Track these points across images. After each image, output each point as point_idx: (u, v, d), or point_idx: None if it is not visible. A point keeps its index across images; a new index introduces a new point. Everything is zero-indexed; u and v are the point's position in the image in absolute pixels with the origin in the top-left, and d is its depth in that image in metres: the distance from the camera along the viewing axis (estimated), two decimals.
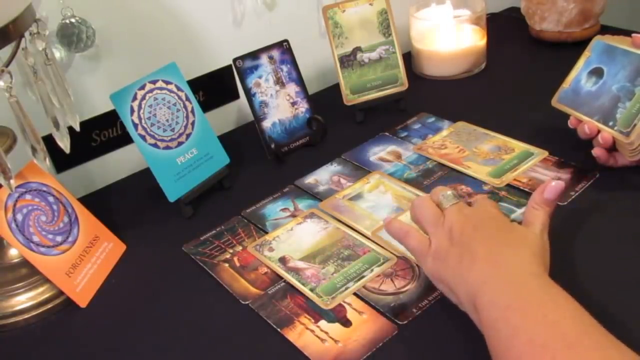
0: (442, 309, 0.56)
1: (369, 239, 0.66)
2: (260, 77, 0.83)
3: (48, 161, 0.58)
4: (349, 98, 0.89)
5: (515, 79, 0.97)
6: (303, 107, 0.86)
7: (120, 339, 0.59)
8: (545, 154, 0.75)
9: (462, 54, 0.98)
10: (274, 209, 0.74)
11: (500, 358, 0.45)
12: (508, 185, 0.71)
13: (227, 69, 0.91)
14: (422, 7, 1.02)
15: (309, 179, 0.78)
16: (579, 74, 0.74)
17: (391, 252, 0.64)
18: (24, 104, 0.55)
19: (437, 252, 0.53)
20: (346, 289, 0.60)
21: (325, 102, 0.91)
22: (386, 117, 0.90)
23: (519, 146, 0.78)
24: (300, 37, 0.93)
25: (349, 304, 0.58)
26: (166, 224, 0.74)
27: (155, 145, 0.72)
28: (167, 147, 0.73)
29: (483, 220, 0.54)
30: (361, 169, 0.79)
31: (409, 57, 1.03)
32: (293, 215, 0.72)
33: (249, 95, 0.82)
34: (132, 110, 0.71)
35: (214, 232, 0.71)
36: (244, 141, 0.88)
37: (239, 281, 0.63)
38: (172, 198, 0.73)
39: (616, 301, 0.54)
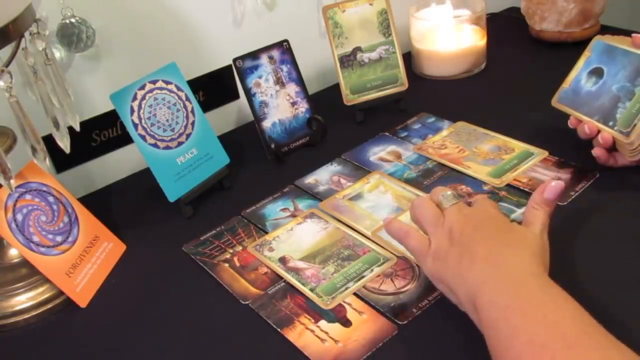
0: (442, 309, 0.56)
1: (369, 239, 0.66)
2: (260, 77, 0.83)
3: (48, 161, 0.58)
4: (349, 98, 0.89)
5: (515, 79, 0.97)
6: (303, 107, 0.86)
7: (120, 339, 0.59)
8: (545, 154, 0.75)
9: (462, 54, 0.98)
10: (274, 209, 0.74)
11: (500, 358, 0.45)
12: (508, 185, 0.71)
13: (227, 69, 0.91)
14: (422, 7, 1.02)
15: (309, 179, 0.78)
16: (579, 74, 0.74)
17: (391, 252, 0.64)
18: (24, 104, 0.55)
19: (437, 252, 0.53)
20: (346, 289, 0.60)
21: (325, 102, 0.91)
22: (386, 117, 0.90)
23: (519, 146, 0.78)
24: (300, 37, 0.93)
25: (349, 304, 0.58)
26: (166, 224, 0.74)
27: (155, 145, 0.72)
28: (167, 147, 0.73)
29: (483, 221, 0.54)
30: (361, 169, 0.79)
31: (409, 57, 1.03)
32: (293, 215, 0.72)
33: (249, 95, 0.82)
34: (132, 110, 0.71)
35: (214, 232, 0.71)
36: (244, 141, 0.88)
37: (239, 281, 0.63)
38: (172, 198, 0.73)
39: (616, 301, 0.54)
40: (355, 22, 0.87)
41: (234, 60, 0.81)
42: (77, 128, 0.66)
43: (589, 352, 0.41)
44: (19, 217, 0.62)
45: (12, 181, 0.53)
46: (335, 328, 0.56)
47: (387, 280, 0.61)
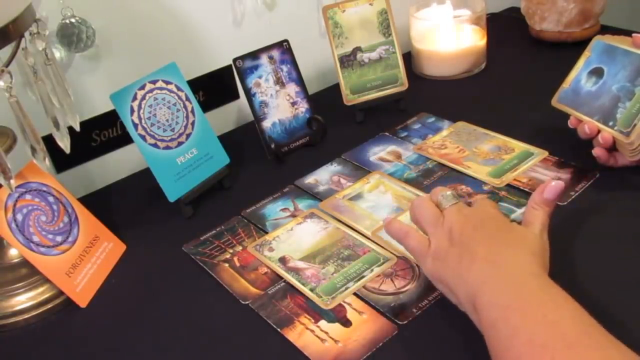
0: (442, 309, 0.56)
1: (369, 239, 0.66)
2: (260, 77, 0.83)
3: (48, 161, 0.58)
4: (349, 98, 0.89)
5: (515, 79, 0.97)
6: (303, 107, 0.86)
7: (120, 339, 0.59)
8: (545, 154, 0.75)
9: (462, 54, 0.98)
10: (274, 209, 0.74)
11: (500, 358, 0.45)
12: (508, 185, 0.71)
13: (227, 69, 0.91)
14: (422, 7, 1.02)
15: (309, 179, 0.78)
16: (579, 74, 0.74)
17: (391, 252, 0.64)
18: (24, 104, 0.55)
19: (436, 252, 0.53)
20: (346, 289, 0.60)
21: (325, 102, 0.91)
22: (386, 117, 0.90)
23: (519, 146, 0.78)
24: (300, 37, 0.93)
25: (349, 304, 0.58)
26: (166, 224, 0.74)
27: (155, 145, 0.72)
28: (167, 147, 0.73)
29: (482, 221, 0.54)
30: (361, 169, 0.79)
31: (409, 57, 1.03)
32: (293, 215, 0.72)
33: (249, 95, 0.82)
34: (132, 110, 0.71)
35: (214, 232, 0.71)
36: (244, 141, 0.88)
37: (239, 281, 0.63)
38: (172, 198, 0.73)
39: (616, 301, 0.54)
40: (355, 22, 0.87)
41: (234, 60, 0.81)
42: (77, 128, 0.66)
43: (588, 352, 0.41)
44: (19, 217, 0.62)
45: (12, 181, 0.53)
46: (335, 328, 0.56)
47: (387, 280, 0.61)
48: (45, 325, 0.62)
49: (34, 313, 0.63)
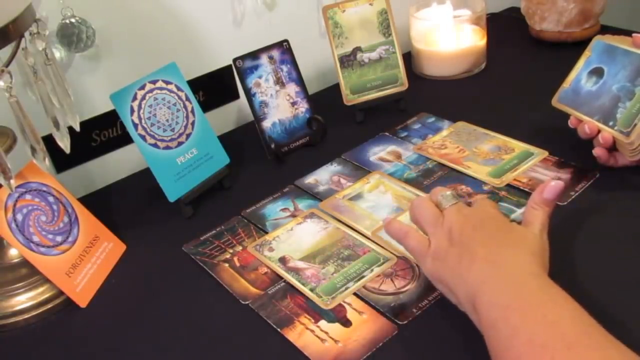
0: (442, 309, 0.56)
1: (369, 239, 0.66)
2: (260, 77, 0.83)
3: (47, 161, 0.58)
4: (349, 98, 0.89)
5: (515, 79, 0.97)
6: (303, 107, 0.86)
7: (120, 339, 0.59)
8: (545, 154, 0.75)
9: (462, 54, 0.98)
10: (274, 209, 0.74)
11: (499, 358, 0.45)
12: (508, 185, 0.71)
13: (227, 69, 0.91)
14: (422, 7, 1.02)
15: (309, 179, 0.78)
16: (579, 74, 0.74)
17: (391, 252, 0.64)
18: (24, 104, 0.55)
19: (436, 252, 0.53)
20: (346, 289, 0.60)
21: (325, 102, 0.91)
22: (386, 117, 0.90)
23: (519, 146, 0.78)
24: (300, 37, 0.93)
25: (349, 304, 0.58)
26: (166, 224, 0.74)
27: (155, 145, 0.72)
28: (167, 147, 0.73)
29: (482, 221, 0.54)
30: (361, 169, 0.79)
31: (409, 57, 1.03)
32: (293, 215, 0.72)
33: (249, 95, 0.82)
34: (132, 110, 0.71)
35: (214, 232, 0.71)
36: (244, 141, 0.88)
37: (239, 281, 0.63)
38: (172, 198, 0.73)
39: (616, 301, 0.54)
40: (355, 22, 0.87)
41: (234, 60, 0.81)
42: (77, 128, 0.66)
43: (588, 352, 0.41)
44: (19, 217, 0.62)
45: (12, 181, 0.53)
46: (335, 328, 0.56)
47: (387, 280, 0.61)
48: (45, 325, 0.62)
49: (34, 313, 0.63)
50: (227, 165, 0.78)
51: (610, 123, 0.68)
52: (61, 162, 0.80)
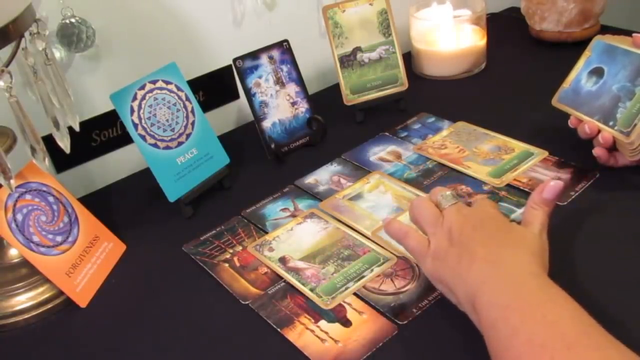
0: (442, 309, 0.56)
1: (369, 239, 0.66)
2: (260, 77, 0.83)
3: (47, 161, 0.58)
4: (349, 98, 0.89)
5: (515, 79, 0.97)
6: (303, 107, 0.86)
7: (120, 339, 0.60)
8: (545, 154, 0.75)
9: (462, 54, 0.98)
10: (274, 209, 0.74)
11: (499, 358, 0.45)
12: (508, 185, 0.71)
13: (227, 69, 0.91)
14: (422, 7, 1.02)
15: (309, 179, 0.78)
16: (579, 74, 0.74)
17: (391, 252, 0.64)
18: (24, 104, 0.55)
19: (436, 252, 0.53)
20: (346, 289, 0.60)
21: (325, 102, 0.91)
22: (386, 117, 0.90)
23: (519, 146, 0.78)
24: (300, 37, 0.93)
25: (349, 304, 0.58)
26: (166, 224, 0.74)
27: (155, 145, 0.72)
28: (167, 147, 0.73)
29: (482, 221, 0.54)
30: (361, 169, 0.79)
31: (409, 57, 1.03)
32: (293, 215, 0.72)
33: (249, 95, 0.82)
34: (132, 110, 0.71)
35: (214, 232, 0.71)
36: (244, 141, 0.88)
37: (239, 281, 0.63)
38: (172, 198, 0.73)
39: (616, 301, 0.54)
40: (355, 22, 0.87)
41: (234, 60, 0.81)
42: (77, 128, 0.66)
43: (588, 352, 0.41)
44: (19, 217, 0.62)
45: (12, 181, 0.53)
46: (335, 328, 0.56)
47: (387, 280, 0.61)
48: (45, 325, 0.62)
49: (34, 313, 0.63)
50: (227, 165, 0.78)
51: (611, 123, 0.68)
52: (61, 162, 0.80)
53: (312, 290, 0.60)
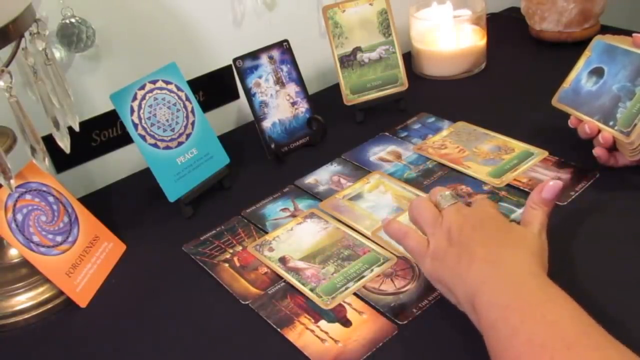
0: (442, 309, 0.56)
1: (369, 239, 0.66)
2: (260, 77, 0.83)
3: (47, 161, 0.58)
4: (349, 98, 0.89)
5: (515, 79, 0.97)
6: (303, 107, 0.86)
7: (120, 339, 0.60)
8: (545, 154, 0.75)
9: (462, 54, 0.98)
10: (274, 209, 0.74)
11: (499, 358, 0.45)
12: (508, 185, 0.71)
13: (227, 69, 0.91)
14: (422, 7, 1.02)
15: (309, 179, 0.78)
16: (579, 74, 0.74)
17: (391, 252, 0.64)
18: (24, 104, 0.55)
19: (435, 252, 0.53)
20: (346, 289, 0.60)
21: (325, 102, 0.91)
22: (386, 117, 0.90)
23: (519, 146, 0.78)
24: (300, 37, 0.93)
25: (349, 304, 0.58)
26: (166, 224, 0.74)
27: (155, 145, 0.72)
28: (167, 147, 0.73)
29: (482, 221, 0.54)
30: (361, 169, 0.79)
31: (409, 57, 1.03)
32: (293, 215, 0.72)
33: (249, 95, 0.82)
34: (132, 110, 0.71)
35: (214, 232, 0.71)
36: (244, 141, 0.88)
37: (239, 281, 0.63)
38: (172, 198, 0.73)
39: (616, 301, 0.54)
40: (355, 22, 0.87)
41: (234, 60, 0.81)
42: (77, 128, 0.66)
43: (588, 352, 0.41)
44: (19, 217, 0.62)
45: (12, 181, 0.53)
46: (335, 328, 0.56)
47: (387, 280, 0.61)
48: (45, 325, 0.63)
49: (34, 313, 0.63)
50: (227, 165, 0.78)
51: (611, 123, 0.68)
52: (61, 162, 0.80)
53: (312, 290, 0.60)
